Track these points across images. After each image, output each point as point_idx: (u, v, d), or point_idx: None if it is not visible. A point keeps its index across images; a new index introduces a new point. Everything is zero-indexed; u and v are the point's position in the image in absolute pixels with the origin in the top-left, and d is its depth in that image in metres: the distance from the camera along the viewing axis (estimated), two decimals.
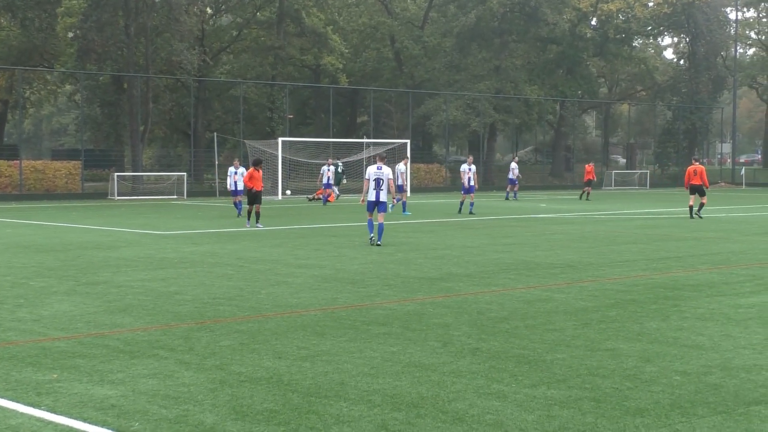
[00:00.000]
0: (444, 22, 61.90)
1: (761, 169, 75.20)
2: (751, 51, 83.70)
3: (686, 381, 7.48)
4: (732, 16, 72.06)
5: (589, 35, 62.78)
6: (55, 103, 68.25)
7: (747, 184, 64.44)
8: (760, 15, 77.33)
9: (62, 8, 42.71)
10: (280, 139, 42.99)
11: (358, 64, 63.91)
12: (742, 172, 66.66)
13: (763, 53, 78.92)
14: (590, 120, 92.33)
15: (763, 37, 78.83)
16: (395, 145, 46.19)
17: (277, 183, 41.75)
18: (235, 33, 57.41)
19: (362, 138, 52.83)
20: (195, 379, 7.46)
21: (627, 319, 10.35)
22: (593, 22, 65.15)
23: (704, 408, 6.69)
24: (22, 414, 6.44)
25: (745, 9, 75.09)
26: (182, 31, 46.10)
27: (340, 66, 54.40)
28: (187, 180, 44.68)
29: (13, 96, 50.87)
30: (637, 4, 62.46)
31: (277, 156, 41.50)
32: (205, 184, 48.88)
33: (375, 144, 46.86)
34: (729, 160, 79.24)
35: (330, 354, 8.45)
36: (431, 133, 63.73)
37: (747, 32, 78.57)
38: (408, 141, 46.25)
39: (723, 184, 64.69)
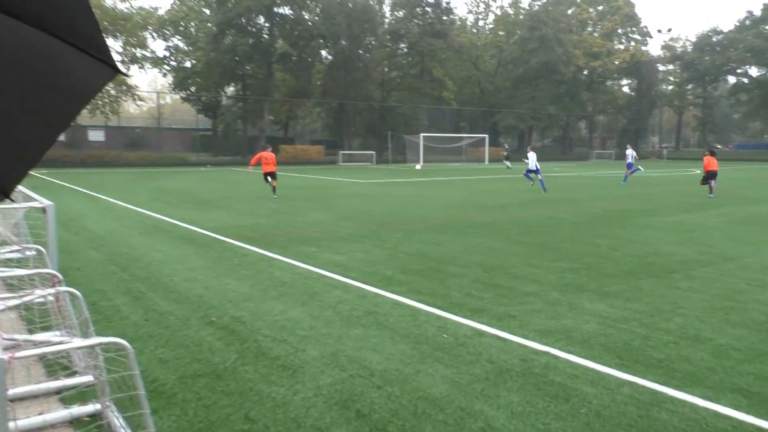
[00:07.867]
0: (506, 72, 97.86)
1: (675, 151, 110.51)
2: (670, 87, 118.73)
3: (635, 260, 12.48)
4: (661, 68, 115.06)
5: (583, 78, 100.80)
6: (311, 117, 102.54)
7: (668, 158, 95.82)
8: (675, 68, 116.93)
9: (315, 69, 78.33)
10: (421, 135, 71.03)
11: (460, 95, 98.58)
12: (665, 152, 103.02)
13: (677, 88, 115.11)
14: (582, 124, 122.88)
15: (677, 79, 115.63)
16: (478, 138, 78.37)
17: (419, 159, 69.33)
18: (398, 81, 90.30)
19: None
20: (381, 254, 12.58)
21: (601, 227, 16.35)
22: (585, 72, 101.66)
23: (645, 274, 11.13)
24: (296, 266, 11.76)
25: (669, 65, 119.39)
26: (374, 79, 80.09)
27: (452, 96, 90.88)
28: (375, 156, 72.49)
29: (291, 114, 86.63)
30: (608, 60, 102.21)
31: (419, 144, 69.91)
32: (382, 157, 75.66)
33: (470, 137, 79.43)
34: (657, 146, 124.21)
35: (446, 242, 14.01)
36: (498, 131, 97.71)
37: (669, 77, 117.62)
38: (486, 135, 78.35)
39: (653, 158, 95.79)
